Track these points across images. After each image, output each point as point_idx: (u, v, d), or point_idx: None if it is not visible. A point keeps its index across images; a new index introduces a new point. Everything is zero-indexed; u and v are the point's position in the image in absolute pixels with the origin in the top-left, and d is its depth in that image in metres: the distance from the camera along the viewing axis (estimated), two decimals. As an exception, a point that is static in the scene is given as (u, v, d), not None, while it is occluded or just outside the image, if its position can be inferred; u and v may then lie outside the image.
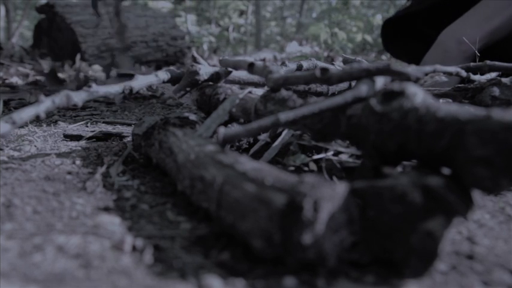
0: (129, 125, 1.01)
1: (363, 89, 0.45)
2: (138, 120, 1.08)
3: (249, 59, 0.70)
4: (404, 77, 0.45)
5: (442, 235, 0.33)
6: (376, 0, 6.57)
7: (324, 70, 0.50)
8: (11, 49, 3.20)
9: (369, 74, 0.47)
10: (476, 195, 0.34)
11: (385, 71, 0.46)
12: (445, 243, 0.33)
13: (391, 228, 0.34)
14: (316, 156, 0.62)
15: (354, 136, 0.45)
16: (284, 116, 0.42)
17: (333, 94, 0.93)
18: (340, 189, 0.34)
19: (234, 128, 0.44)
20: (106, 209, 0.47)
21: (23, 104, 1.25)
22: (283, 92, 0.58)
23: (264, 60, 0.67)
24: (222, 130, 0.44)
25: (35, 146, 0.74)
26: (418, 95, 0.40)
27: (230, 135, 0.44)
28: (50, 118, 1.09)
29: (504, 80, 0.77)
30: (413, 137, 0.38)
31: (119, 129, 0.94)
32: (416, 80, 0.45)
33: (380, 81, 0.46)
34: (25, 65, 2.52)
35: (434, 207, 0.33)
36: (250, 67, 0.66)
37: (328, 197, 0.32)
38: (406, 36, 1.49)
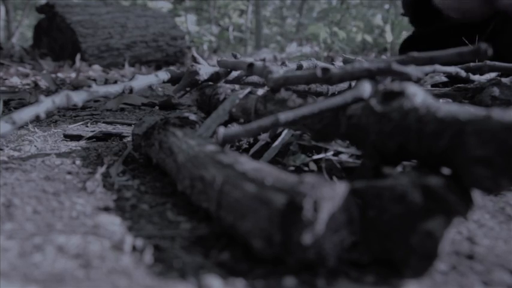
0: (129, 125, 1.01)
1: (362, 89, 0.44)
2: (138, 120, 1.08)
3: (249, 59, 0.70)
4: (405, 77, 0.45)
5: (442, 235, 0.33)
6: (376, 0, 6.57)
7: (325, 70, 0.50)
8: (11, 49, 3.20)
9: (370, 74, 0.47)
10: (476, 195, 0.34)
11: (386, 70, 0.46)
12: (445, 243, 0.33)
13: (391, 228, 0.34)
14: (316, 156, 0.62)
15: (354, 136, 0.45)
16: (284, 116, 0.42)
17: (333, 94, 0.93)
18: (340, 189, 0.34)
19: (234, 128, 0.44)
20: (106, 209, 0.47)
21: (23, 104, 1.25)
22: (283, 92, 0.57)
23: (264, 60, 0.67)
24: (221, 130, 0.44)
25: (35, 146, 0.74)
26: (418, 95, 0.40)
27: (230, 136, 0.44)
28: (50, 118, 1.09)
29: (504, 80, 0.77)
30: (414, 137, 0.38)
31: (118, 129, 0.94)
32: (418, 80, 0.45)
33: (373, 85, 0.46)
34: (25, 65, 2.52)
35: (434, 207, 0.33)
36: (250, 68, 0.66)
37: (328, 197, 0.32)
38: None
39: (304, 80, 0.53)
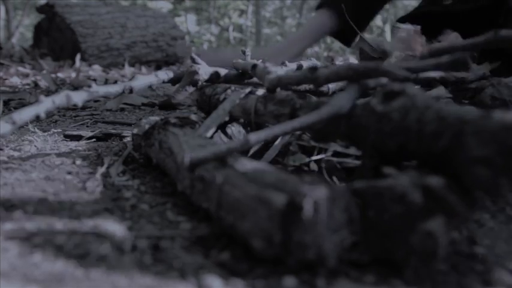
0: (129, 125, 1.01)
1: (338, 104, 0.43)
2: (138, 120, 1.08)
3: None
4: (393, 77, 0.43)
5: (442, 235, 0.33)
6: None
7: (313, 69, 0.49)
8: (11, 49, 3.20)
9: (356, 74, 0.45)
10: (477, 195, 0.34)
11: (373, 70, 0.44)
12: (445, 243, 0.33)
13: (391, 228, 0.34)
14: (316, 157, 0.62)
15: (354, 136, 0.45)
16: (255, 137, 0.40)
17: (334, 93, 0.92)
18: (340, 189, 0.34)
19: (202, 152, 0.43)
20: (106, 209, 0.47)
21: (23, 104, 1.25)
22: (283, 93, 0.57)
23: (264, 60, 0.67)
24: (188, 155, 0.43)
25: (35, 146, 0.74)
26: (418, 95, 0.39)
27: (197, 160, 0.43)
28: (50, 118, 1.09)
29: (504, 80, 0.77)
30: (414, 137, 0.38)
31: (119, 129, 0.94)
32: (405, 80, 0.43)
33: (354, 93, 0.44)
34: (25, 65, 2.52)
35: (434, 207, 0.33)
36: (253, 69, 0.66)
37: (328, 197, 0.32)
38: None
39: (295, 80, 0.53)
